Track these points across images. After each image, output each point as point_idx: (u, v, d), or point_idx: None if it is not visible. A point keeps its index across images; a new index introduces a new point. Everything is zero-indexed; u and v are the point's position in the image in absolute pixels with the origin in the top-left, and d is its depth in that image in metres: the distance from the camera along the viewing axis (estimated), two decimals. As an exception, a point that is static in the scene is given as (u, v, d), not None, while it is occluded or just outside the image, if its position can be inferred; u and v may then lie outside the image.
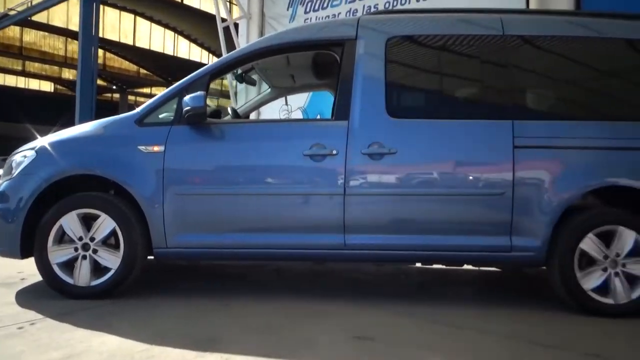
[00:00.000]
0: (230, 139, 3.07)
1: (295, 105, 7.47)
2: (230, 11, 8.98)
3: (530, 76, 3.17)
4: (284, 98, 6.34)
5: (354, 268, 4.07)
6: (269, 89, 4.33)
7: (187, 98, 2.93)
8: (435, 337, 2.47)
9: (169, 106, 3.13)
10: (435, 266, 3.99)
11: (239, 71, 3.85)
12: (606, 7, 3.87)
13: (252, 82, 4.18)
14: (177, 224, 2.94)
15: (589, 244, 2.84)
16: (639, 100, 3.12)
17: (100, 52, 28.67)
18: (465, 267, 3.53)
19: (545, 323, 2.73)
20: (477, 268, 4.02)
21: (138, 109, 3.16)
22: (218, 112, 3.54)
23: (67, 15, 27.81)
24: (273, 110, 7.56)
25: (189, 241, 2.96)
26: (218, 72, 3.20)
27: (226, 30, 8.06)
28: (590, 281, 2.83)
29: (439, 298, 3.24)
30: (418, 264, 3.47)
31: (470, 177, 2.94)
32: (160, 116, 3.14)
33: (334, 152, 2.93)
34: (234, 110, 3.73)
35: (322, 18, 7.32)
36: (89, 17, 13.04)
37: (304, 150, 2.94)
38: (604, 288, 2.83)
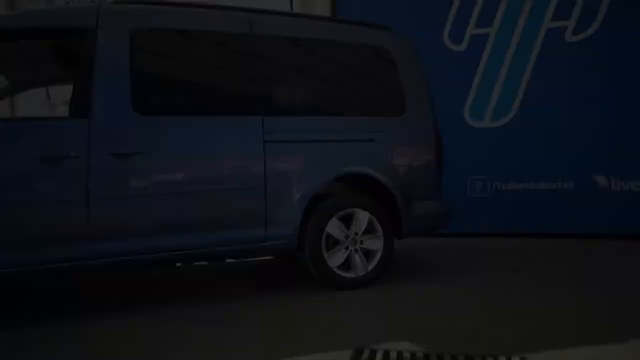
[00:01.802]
0: None
1: (61, 98, 6.63)
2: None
3: (278, 74, 3.35)
4: (44, 90, 5.54)
5: (126, 274, 3.81)
6: (6, 82, 3.71)
7: None
8: (185, 337, 2.43)
9: None
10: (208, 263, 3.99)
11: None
12: (358, 16, 4.34)
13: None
14: None
15: (333, 227, 3.17)
16: (375, 99, 3.58)
17: None
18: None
19: (297, 304, 2.94)
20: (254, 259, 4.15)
21: None
22: None
23: None
24: (33, 105, 6.62)
25: None
26: None
27: (-38, 7, 6.66)
28: (335, 259, 3.18)
29: (209, 297, 3.20)
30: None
31: (223, 173, 2.99)
32: None
33: (73, 153, 2.65)
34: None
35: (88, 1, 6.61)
36: None
37: (36, 152, 2.59)
38: (347, 264, 3.21)
